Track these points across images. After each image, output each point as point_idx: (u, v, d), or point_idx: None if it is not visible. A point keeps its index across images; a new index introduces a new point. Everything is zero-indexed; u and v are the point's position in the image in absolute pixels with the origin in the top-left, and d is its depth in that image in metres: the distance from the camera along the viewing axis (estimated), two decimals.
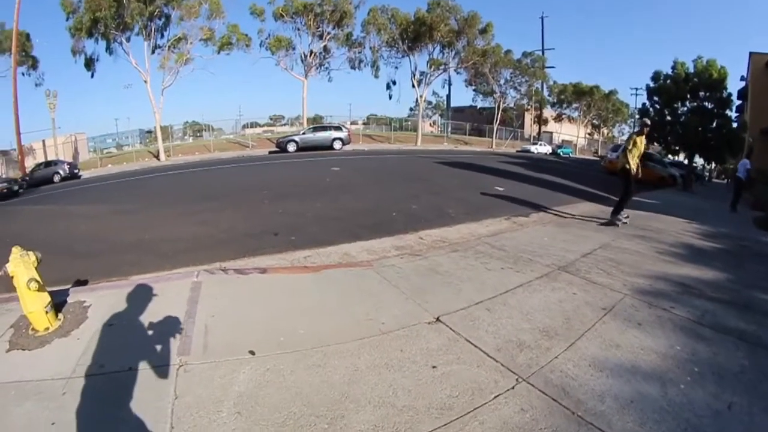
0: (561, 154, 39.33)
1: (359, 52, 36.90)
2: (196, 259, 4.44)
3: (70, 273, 4.46)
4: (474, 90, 44.85)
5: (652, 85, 34.27)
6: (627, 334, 2.94)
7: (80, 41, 27.37)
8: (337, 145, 23.99)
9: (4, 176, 21.00)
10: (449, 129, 45.91)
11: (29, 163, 24.58)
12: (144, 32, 27.97)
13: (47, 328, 3.28)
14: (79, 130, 33.44)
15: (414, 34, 35.29)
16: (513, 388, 2.31)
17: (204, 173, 15.38)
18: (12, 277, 3.28)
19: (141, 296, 3.56)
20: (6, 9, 30.79)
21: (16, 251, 3.41)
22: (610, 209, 7.20)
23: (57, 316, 3.44)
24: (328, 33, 34.55)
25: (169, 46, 29.06)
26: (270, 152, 25.16)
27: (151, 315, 3.22)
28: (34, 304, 3.27)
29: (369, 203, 8.07)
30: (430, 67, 37.41)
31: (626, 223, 6.93)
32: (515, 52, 40.64)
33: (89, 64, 28.74)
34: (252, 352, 2.70)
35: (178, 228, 6.49)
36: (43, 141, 29.02)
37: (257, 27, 34.09)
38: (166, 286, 3.75)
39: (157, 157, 28.49)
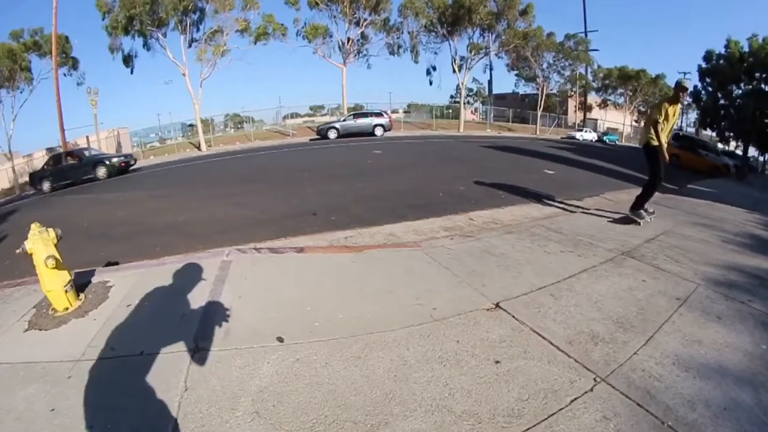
0: (607, 141, 37.11)
1: (397, 38, 35.77)
2: (230, 240, 4.16)
3: (103, 255, 4.38)
4: (516, 75, 42.72)
5: (704, 65, 31.36)
6: (708, 329, 2.58)
7: (117, 39, 28.24)
8: (379, 131, 23.48)
9: (124, 152, 21.73)
10: (492, 116, 44.11)
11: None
12: (180, 27, 28.47)
13: (67, 308, 3.12)
14: (121, 125, 34.76)
15: (452, 18, 33.95)
16: (591, 390, 1.96)
17: (243, 159, 15.41)
18: (31, 254, 3.12)
19: (165, 276, 3.29)
20: (45, 14, 32.27)
21: (35, 227, 3.23)
22: (666, 196, 6.31)
23: (78, 296, 3.28)
24: (365, 19, 33.86)
25: (205, 39, 29.44)
26: (311, 140, 25.12)
27: (172, 296, 2.94)
28: (52, 282, 3.10)
29: (414, 184, 7.68)
30: (471, 51, 35.87)
31: (650, 220, 5.16)
32: (557, 35, 38.11)
33: (127, 60, 29.63)
34: (280, 339, 2.30)
35: (213, 210, 6.35)
36: (87, 137, 30.24)
37: (293, 16, 34.17)
38: (193, 265, 3.46)
39: (198, 148, 29.12)
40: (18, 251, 3.04)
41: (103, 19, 27.36)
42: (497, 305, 2.74)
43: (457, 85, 37.63)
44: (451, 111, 45.52)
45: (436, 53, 37.59)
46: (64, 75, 28.22)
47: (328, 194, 6.82)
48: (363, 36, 34.75)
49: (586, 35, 41.33)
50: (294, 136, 29.74)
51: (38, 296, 3.25)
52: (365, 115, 24.89)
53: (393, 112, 30.74)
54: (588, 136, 36.63)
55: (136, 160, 18.14)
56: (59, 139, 24.50)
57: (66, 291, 3.13)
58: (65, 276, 3.18)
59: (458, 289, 2.97)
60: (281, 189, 7.58)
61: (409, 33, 35.40)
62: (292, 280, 3.10)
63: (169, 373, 2.05)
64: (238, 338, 2.31)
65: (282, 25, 31.94)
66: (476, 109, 50.30)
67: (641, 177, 8.97)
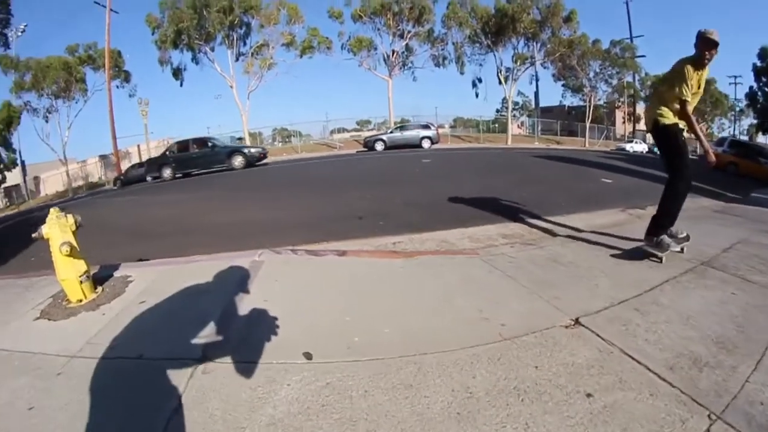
0: (657, 152, 35.11)
1: (442, 49, 35.27)
2: (268, 242, 3.82)
3: (136, 252, 4.23)
4: (563, 85, 41.00)
5: (759, 63, 29.01)
6: None
7: (166, 53, 29.61)
8: (426, 143, 23.04)
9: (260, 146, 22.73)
10: (539, 128, 42.68)
11: (125, 165, 26.89)
12: (227, 41, 29.44)
13: (80, 300, 2.93)
14: (172, 135, 36.06)
15: (496, 28, 33.21)
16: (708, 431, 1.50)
17: (289, 168, 15.22)
18: (47, 240, 2.95)
19: (189, 274, 2.98)
20: (98, 29, 34.24)
21: (53, 212, 3.07)
22: (730, 205, 5.39)
23: (95, 288, 3.08)
24: (409, 31, 33.68)
25: (252, 53, 30.25)
26: (357, 152, 25.16)
27: (191, 295, 2.59)
28: (66, 270, 2.90)
29: (465, 191, 7.26)
30: (516, 61, 34.85)
31: (681, 250, 3.41)
32: (603, 41, 36.23)
33: (177, 73, 30.92)
34: (308, 356, 1.85)
35: (254, 213, 6.14)
36: (138, 145, 31.81)
37: (337, 29, 34.16)
38: (220, 264, 3.12)
39: None
40: (34, 235, 2.90)
41: (152, 34, 28.83)
42: (577, 321, 2.21)
43: (503, 98, 36.80)
44: (497, 125, 44.51)
45: (481, 65, 36.84)
46: (117, 87, 29.82)
47: (375, 199, 6.47)
48: (407, 48, 34.62)
49: (632, 40, 39.04)
50: (341, 149, 29.82)
51: (59, 286, 3.04)
52: (412, 127, 24.68)
53: (439, 126, 30.35)
54: (638, 147, 34.81)
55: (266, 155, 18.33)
56: (111, 147, 25.73)
57: (81, 282, 2.94)
58: (81, 266, 2.97)
59: (528, 301, 2.42)
60: (327, 194, 7.33)
61: (453, 44, 34.94)
62: (330, 286, 2.64)
63: (165, 385, 1.67)
64: (256, 349, 1.87)
65: (327, 38, 32.41)
66: (522, 122, 48.72)
67: (700, 186, 8.05)
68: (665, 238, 3.28)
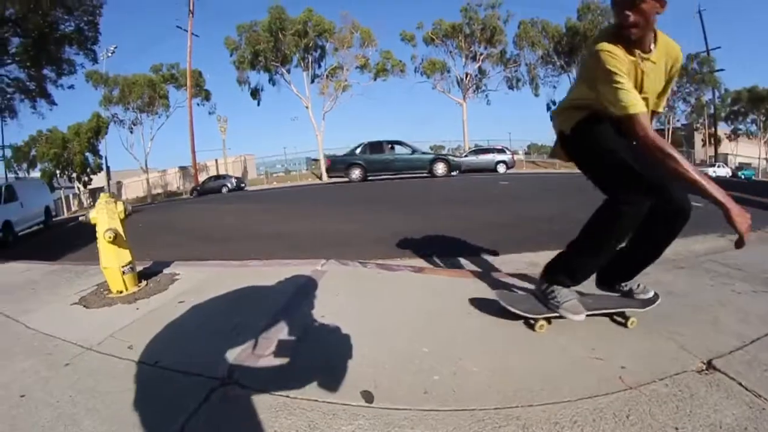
0: (742, 177, 31.70)
1: (515, 71, 34.37)
2: (335, 254, 3.50)
3: (195, 253, 4.20)
4: None
5: None
6: None
7: (244, 73, 31.28)
8: (501, 168, 22.31)
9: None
10: None
11: (203, 177, 28.79)
12: (302, 63, 30.59)
13: (120, 292, 2.78)
14: (248, 152, 37.94)
15: (568, 47, 31.84)
16: None
17: (364, 185, 14.66)
18: (95, 225, 2.84)
19: (239, 278, 2.72)
20: (181, 50, 36.92)
21: (103, 197, 2.96)
22: None
23: (139, 282, 2.93)
24: (481, 53, 33.16)
25: (326, 75, 31.17)
26: (431, 176, 25.11)
27: (235, 301, 2.28)
28: (108, 258, 2.77)
29: (548, 211, 6.73)
30: None
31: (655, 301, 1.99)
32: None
33: (254, 93, 32.50)
34: (367, 396, 1.36)
35: (325, 225, 5.92)
36: (216, 160, 33.76)
37: (410, 52, 34.58)
38: (276, 271, 2.79)
39: (320, 178, 30.29)
40: (81, 219, 2.86)
41: (231, 55, 30.65)
42: (710, 365, 1.62)
43: None
44: None
45: (554, 87, 35.28)
46: (197, 104, 32.09)
47: (453, 218, 6.08)
48: (480, 70, 34.12)
49: (708, 53, 35.76)
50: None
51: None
52: (488, 151, 24.26)
53: (513, 152, 29.68)
54: (721, 171, 31.59)
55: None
56: (191, 160, 27.50)
57: (123, 272, 2.78)
58: (125, 256, 2.81)
59: (645, 337, 1.84)
60: (402, 210, 7.02)
61: (526, 65, 34.03)
62: (403, 306, 2.18)
63: (172, 403, 1.33)
64: (298, 379, 1.44)
65: (400, 61, 32.64)
66: None
67: None
68: (562, 291, 1.85)
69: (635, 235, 1.87)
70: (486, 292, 2.31)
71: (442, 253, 3.87)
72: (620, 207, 1.69)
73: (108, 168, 30.25)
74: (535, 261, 3.56)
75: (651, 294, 2.01)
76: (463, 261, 3.47)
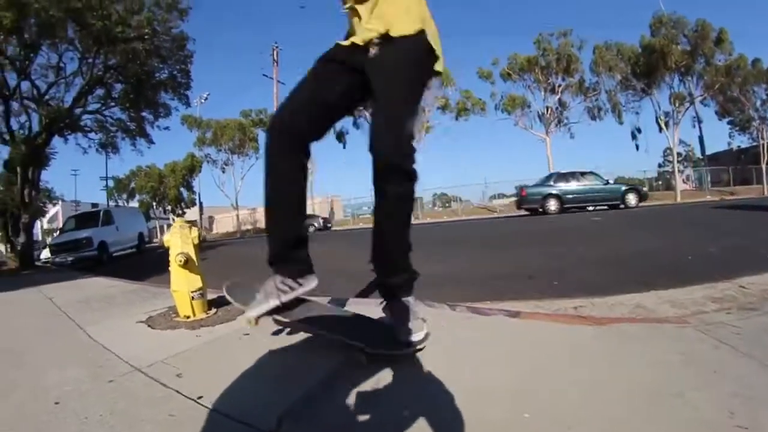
0: None
1: (595, 100, 32.87)
2: (419, 295, 3.24)
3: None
4: (729, 122, 35.01)
5: None
6: None
7: None
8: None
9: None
10: (709, 179, 36.38)
11: None
12: None
13: (187, 316, 2.74)
14: (335, 193, 39.43)
15: (646, 67, 29.67)
16: None
17: (449, 227, 14.65)
18: (168, 248, 2.87)
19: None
20: (268, 96, 39.91)
21: (178, 222, 3.02)
22: None
23: (208, 309, 2.86)
24: (559, 84, 32.16)
25: None
26: (520, 215, 24.69)
27: (305, 341, 2.05)
28: (178, 282, 2.75)
29: (649, 247, 6.05)
30: (674, 102, 30.51)
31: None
32: (764, 60, 29.53)
33: (340, 137, 33.95)
34: None
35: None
36: None
37: (488, 90, 34.17)
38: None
39: None
40: (156, 241, 2.84)
41: None
42: None
43: (665, 149, 32.37)
44: (660, 182, 39.32)
45: (637, 113, 33.40)
46: None
47: (544, 256, 5.64)
48: (561, 103, 32.95)
49: None
50: (502, 212, 29.14)
51: None
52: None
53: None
54: None
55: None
56: None
57: (192, 298, 2.73)
58: (195, 281, 2.77)
59: None
60: (488, 250, 6.69)
61: (606, 92, 32.43)
62: (497, 358, 1.77)
63: None
64: None
65: (480, 99, 32.57)
66: (688, 176, 41.99)
67: None
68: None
69: None
70: (592, 340, 1.86)
71: (535, 294, 3.46)
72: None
73: (201, 203, 33.13)
74: (642, 303, 3.00)
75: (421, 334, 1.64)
76: (560, 303, 3.02)
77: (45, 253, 13.61)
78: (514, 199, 20.36)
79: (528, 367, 1.63)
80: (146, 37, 12.33)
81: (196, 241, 2.88)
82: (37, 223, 21.72)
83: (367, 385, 1.48)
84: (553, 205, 14.34)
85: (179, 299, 2.74)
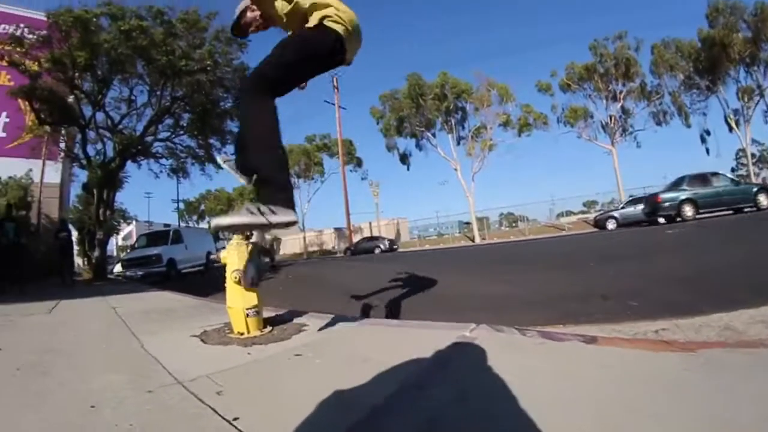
0: None
1: (659, 103, 31.08)
2: (485, 318, 3.08)
3: (336, 308, 4.11)
4: None
5: None
6: None
7: (392, 140, 33.40)
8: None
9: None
10: None
11: (356, 238, 31.06)
12: (446, 126, 31.71)
13: (241, 333, 2.71)
14: (401, 215, 40.00)
15: (708, 62, 27.69)
16: None
17: (516, 246, 14.47)
18: (224, 265, 2.85)
19: (372, 339, 2.48)
20: (332, 121, 41.10)
21: (235, 239, 2.96)
22: None
23: (263, 327, 2.83)
24: (620, 91, 30.61)
25: (471, 136, 31.62)
26: (588, 233, 23.66)
27: (361, 366, 1.94)
28: (234, 299, 2.73)
29: (736, 261, 5.48)
30: (742, 97, 28.04)
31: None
32: None
33: (404, 158, 34.42)
34: None
35: (474, 285, 5.60)
36: (370, 222, 36.21)
37: (548, 102, 33.56)
38: (416, 335, 2.44)
39: (472, 240, 30.44)
40: (213, 257, 2.91)
41: (377, 123, 33.38)
42: None
43: (738, 150, 29.63)
44: None
45: (705, 114, 31.09)
46: (350, 171, 35.49)
47: (619, 275, 5.25)
48: (624, 110, 31.45)
49: None
50: (569, 230, 28.17)
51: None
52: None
53: None
54: None
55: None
56: (344, 222, 30.27)
57: (247, 315, 2.70)
58: (251, 299, 2.73)
59: None
60: (559, 270, 6.34)
61: (669, 94, 30.58)
62: (575, 388, 1.51)
63: None
64: None
65: (541, 113, 31.92)
66: (764, 178, 38.12)
67: None
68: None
69: None
70: (679, 369, 1.59)
71: (611, 317, 3.16)
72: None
73: None
74: (731, 324, 2.65)
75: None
76: (640, 327, 2.71)
77: (118, 268, 14.69)
78: (581, 215, 19.23)
79: (611, 400, 1.41)
80: (209, 69, 13.25)
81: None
82: (113, 240, 23.64)
83: (420, 419, 1.33)
84: (689, 210, 13.43)
85: (234, 316, 2.74)
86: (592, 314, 3.25)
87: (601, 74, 30.26)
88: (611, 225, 20.12)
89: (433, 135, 31.64)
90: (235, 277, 2.64)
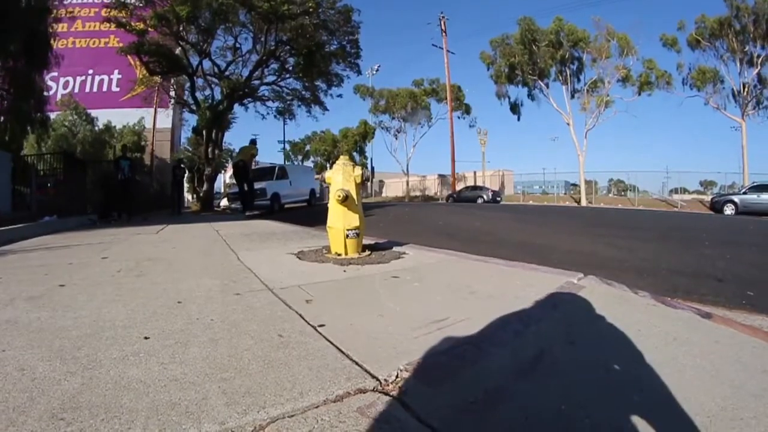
0: None
1: None
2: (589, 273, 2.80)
3: (435, 245, 3.93)
4: None
5: None
6: None
7: (502, 87, 30.79)
8: None
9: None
10: None
11: (460, 186, 29.98)
12: (560, 77, 28.32)
13: (338, 254, 2.77)
14: (506, 167, 37.63)
15: None
16: None
17: (623, 212, 13.59)
18: (329, 184, 2.94)
19: (473, 271, 2.36)
20: (441, 66, 39.27)
21: (341, 159, 2.98)
22: None
23: (362, 251, 2.86)
24: (758, 55, 24.71)
25: (587, 90, 28.37)
26: (703, 213, 21.10)
27: (457, 292, 1.83)
28: (335, 218, 2.77)
29: None
30: None
31: None
32: None
33: (514, 108, 31.73)
34: None
35: (577, 243, 5.29)
36: (474, 172, 35.01)
37: (674, 60, 27.82)
38: (520, 273, 2.25)
39: (578, 202, 28.68)
40: (317, 177, 2.87)
41: (488, 69, 31.08)
42: None
43: None
44: None
45: None
46: (458, 117, 33.70)
47: (737, 261, 4.51)
48: (760, 79, 25.24)
49: None
50: (683, 208, 24.94)
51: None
52: None
53: None
54: None
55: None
56: (449, 169, 29.82)
57: (347, 236, 2.74)
58: (352, 220, 2.75)
59: None
60: (668, 243, 5.66)
61: None
62: (689, 355, 1.33)
63: (301, 381, 0.96)
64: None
65: (665, 72, 26.80)
66: None
67: None
68: None
69: None
70: None
71: (724, 302, 2.70)
72: None
73: (372, 168, 35.29)
74: None
75: None
76: (754, 319, 2.21)
77: (224, 202, 16.00)
78: (696, 195, 16.54)
79: (721, 376, 1.14)
80: (311, 11, 13.08)
81: (359, 180, 2.83)
82: (220, 177, 25.79)
83: (526, 354, 1.19)
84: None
85: (333, 236, 2.74)
86: (704, 295, 2.86)
87: (736, 32, 24.05)
88: (729, 210, 17.55)
89: (546, 85, 28.60)
90: (339, 196, 2.62)
